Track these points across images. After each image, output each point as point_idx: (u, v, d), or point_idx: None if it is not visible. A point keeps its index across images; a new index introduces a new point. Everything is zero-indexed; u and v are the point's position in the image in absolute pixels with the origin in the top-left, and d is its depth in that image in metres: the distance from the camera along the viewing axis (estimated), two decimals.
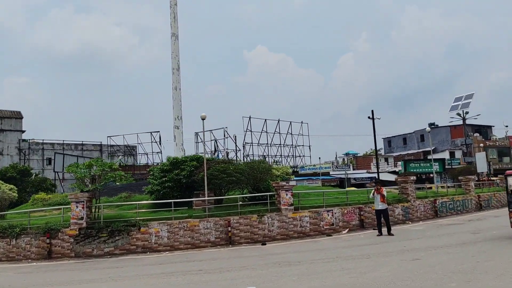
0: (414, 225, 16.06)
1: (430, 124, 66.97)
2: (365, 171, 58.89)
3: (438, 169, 57.63)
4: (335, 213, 14.18)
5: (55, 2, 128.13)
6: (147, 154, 61.60)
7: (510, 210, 11.42)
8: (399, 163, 58.39)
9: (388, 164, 60.28)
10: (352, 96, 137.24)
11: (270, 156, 57.95)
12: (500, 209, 21.71)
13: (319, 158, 66.83)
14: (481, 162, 29.69)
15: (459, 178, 22.07)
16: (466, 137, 60.37)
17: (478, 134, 60.49)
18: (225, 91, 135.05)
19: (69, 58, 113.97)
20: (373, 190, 13.84)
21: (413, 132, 68.83)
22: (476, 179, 33.95)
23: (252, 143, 55.54)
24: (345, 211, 14.57)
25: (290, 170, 33.67)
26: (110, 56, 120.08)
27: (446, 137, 63.54)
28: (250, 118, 55.28)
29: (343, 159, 69.47)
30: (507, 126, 62.37)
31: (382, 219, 13.54)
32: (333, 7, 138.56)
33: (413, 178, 18.38)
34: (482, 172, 32.22)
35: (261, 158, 57.08)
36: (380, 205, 13.38)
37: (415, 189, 19.01)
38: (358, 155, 73.59)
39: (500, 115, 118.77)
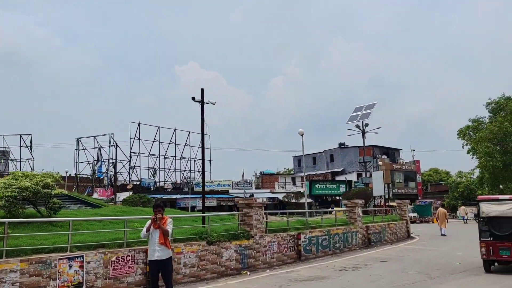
0: (249, 278, 9.71)
1: (340, 144, 63.91)
2: (268, 190, 53.30)
3: (345, 191, 53.94)
4: (92, 263, 7.56)
5: None
6: (15, 161, 50.89)
7: (481, 239, 10.70)
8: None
9: (294, 184, 55.28)
10: (281, 118, 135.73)
11: (162, 169, 50.15)
12: (394, 246, 16.47)
13: (234, 178, 60.38)
14: (377, 183, 24.79)
15: (344, 202, 16.33)
16: (374, 158, 57.54)
17: (385, 156, 57.91)
18: (157, 103, 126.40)
19: None
20: (148, 222, 7.24)
21: (323, 152, 65.15)
22: (373, 204, 29.16)
23: (140, 153, 47.43)
24: (115, 259, 7.88)
25: None
26: (31, 57, 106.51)
27: (354, 158, 60.37)
28: (139, 124, 47.34)
29: (255, 177, 63.57)
30: (414, 150, 60.80)
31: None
32: (267, 30, 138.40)
33: (261, 201, 11.84)
34: (380, 196, 27.33)
35: (150, 170, 49.23)
36: (157, 252, 6.86)
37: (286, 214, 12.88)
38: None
39: (412, 144, 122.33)
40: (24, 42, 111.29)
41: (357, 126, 28.61)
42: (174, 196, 43.67)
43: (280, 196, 50.95)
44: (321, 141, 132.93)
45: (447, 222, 23.99)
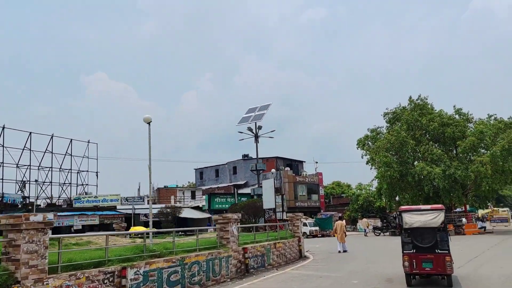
0: None
1: (244, 156, 61.01)
2: (163, 205, 47.95)
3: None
4: None
5: None
6: None
7: (404, 252, 10.16)
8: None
9: (194, 198, 50.66)
10: (195, 132, 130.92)
11: (33, 182, 42.31)
12: (279, 272, 12.91)
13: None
14: (268, 194, 21.54)
15: (214, 218, 12.35)
16: (277, 170, 55.36)
17: (288, 168, 56.07)
18: (55, 113, 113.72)
19: None
20: None
21: (226, 164, 61.59)
22: (266, 217, 25.92)
23: (3, 162, 39.39)
24: None
25: None
26: None
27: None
28: (4, 127, 39.38)
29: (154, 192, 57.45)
30: (317, 162, 59.95)
31: None
32: (180, 43, 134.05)
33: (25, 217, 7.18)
34: (271, 209, 24.21)
35: (19, 184, 41.23)
36: None
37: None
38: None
39: (318, 159, 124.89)
40: None
41: (249, 129, 25.20)
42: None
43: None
44: (230, 156, 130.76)
45: (346, 235, 21.43)
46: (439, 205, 10.93)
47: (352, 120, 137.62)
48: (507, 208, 59.07)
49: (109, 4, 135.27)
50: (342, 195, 68.76)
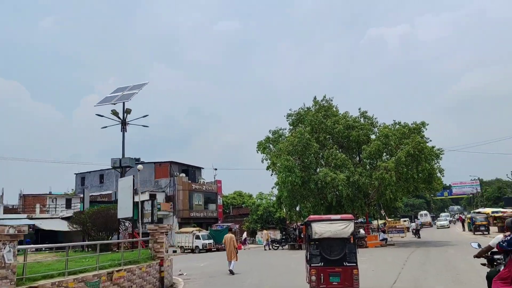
0: None
1: (136, 159, 53.96)
2: (25, 215, 39.15)
3: (135, 216, 43.89)
4: None
5: None
6: None
7: (312, 265, 9.52)
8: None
9: (69, 207, 42.36)
10: (95, 139, 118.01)
11: None
12: None
13: None
14: (124, 197, 16.13)
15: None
16: (171, 176, 49.52)
17: (184, 175, 50.50)
18: None
19: None
20: None
21: (112, 168, 53.73)
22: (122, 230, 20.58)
23: None
24: None
25: None
26: None
27: (149, 175, 51.14)
28: None
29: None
30: (216, 169, 55.25)
31: None
32: (82, 44, 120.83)
33: None
34: (127, 219, 18.94)
35: None
36: None
37: None
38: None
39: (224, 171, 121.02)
40: None
41: (114, 113, 19.45)
42: None
43: (42, 223, 37.84)
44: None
45: (237, 251, 16.83)
46: (349, 215, 10.46)
47: (260, 132, 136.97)
48: (407, 219, 59.30)
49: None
50: (242, 205, 64.82)
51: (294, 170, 28.58)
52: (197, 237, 37.73)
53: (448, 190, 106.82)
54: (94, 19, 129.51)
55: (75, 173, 56.61)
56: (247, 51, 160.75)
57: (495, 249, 6.81)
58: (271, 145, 32.81)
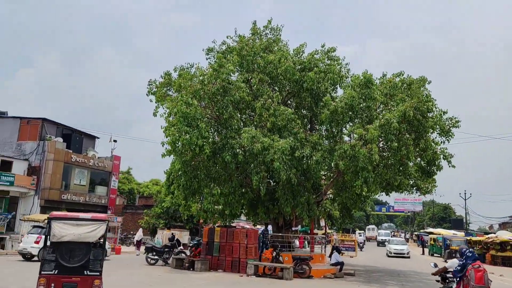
0: None
1: (1, 113, 38.20)
2: None
3: None
4: None
5: None
6: None
7: (42, 272, 7.99)
8: None
9: None
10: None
11: None
12: None
13: None
14: None
15: None
16: (42, 139, 34.38)
17: (61, 139, 35.50)
18: None
19: None
20: None
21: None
22: None
23: None
24: None
25: None
26: None
27: (11, 135, 35.63)
28: None
29: None
30: (115, 141, 40.61)
31: None
32: (23, 12, 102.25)
33: None
34: None
35: None
36: None
37: None
38: None
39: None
40: None
41: None
42: None
43: None
44: None
45: None
46: (102, 215, 9.95)
47: None
48: (362, 231, 46.95)
49: None
50: (151, 195, 50.42)
51: (198, 126, 15.44)
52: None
53: (386, 206, 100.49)
54: None
55: None
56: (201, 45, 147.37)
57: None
58: (172, 91, 19.30)
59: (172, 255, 18.20)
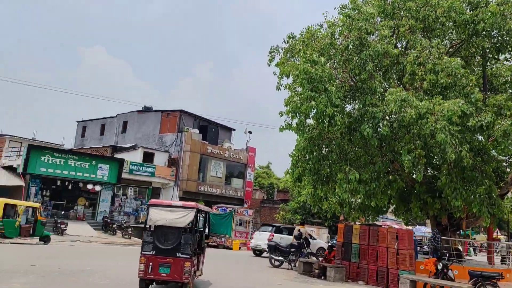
0: None
1: (145, 108, 40.28)
2: None
3: (106, 179, 30.03)
4: None
5: None
6: None
7: (142, 253, 8.95)
8: None
9: (9, 154, 29.44)
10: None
11: None
12: None
13: None
14: None
15: None
16: (180, 131, 34.68)
17: (197, 131, 35.34)
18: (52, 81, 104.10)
19: None
20: None
21: (115, 116, 40.68)
22: None
23: None
24: None
25: None
26: None
27: (154, 128, 36.98)
28: None
29: None
30: (250, 132, 39.26)
31: None
32: (184, 28, 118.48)
33: None
34: None
35: None
36: None
37: None
38: None
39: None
40: None
41: None
42: None
43: None
44: None
45: None
46: (192, 203, 9.59)
47: None
48: None
49: None
50: (287, 188, 48.07)
51: (327, 90, 11.66)
52: None
53: None
54: (195, 3, 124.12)
55: (77, 121, 44.50)
56: None
57: None
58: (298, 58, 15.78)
59: (299, 257, 14.77)
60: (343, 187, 12.47)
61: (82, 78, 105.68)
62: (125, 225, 27.20)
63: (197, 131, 35.15)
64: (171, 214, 9.03)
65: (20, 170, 26.39)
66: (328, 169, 13.38)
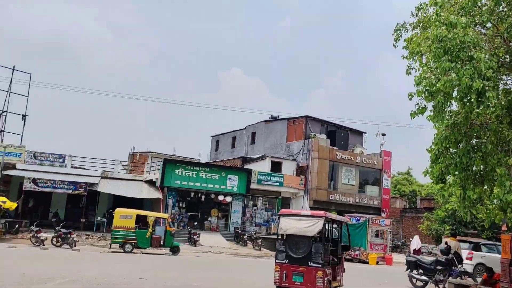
0: None
1: (272, 117, 40.03)
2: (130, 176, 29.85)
3: (236, 189, 30.09)
4: None
5: None
6: None
7: (276, 261, 9.33)
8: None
9: (149, 169, 31.69)
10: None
11: None
12: None
13: None
14: None
15: None
16: (307, 138, 33.29)
17: (325, 136, 33.48)
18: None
19: (37, 45, 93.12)
20: None
21: (244, 129, 41.41)
22: None
23: None
24: None
25: None
26: (81, 49, 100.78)
27: (281, 137, 36.36)
28: None
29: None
30: (384, 135, 35.89)
31: None
32: (314, 40, 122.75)
33: None
34: None
35: None
36: None
37: None
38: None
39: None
40: (76, 34, 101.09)
41: None
42: None
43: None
44: None
45: None
46: (321, 212, 9.70)
47: None
48: None
49: (252, 4, 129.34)
50: (432, 196, 42.52)
51: (473, 58, 8.89)
52: None
53: None
54: (323, 15, 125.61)
55: (211, 136, 46.71)
56: None
57: None
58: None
59: (448, 278, 11.71)
60: (506, 186, 9.33)
61: (222, 99, 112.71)
62: (255, 236, 26.68)
63: (324, 136, 33.34)
64: (300, 223, 9.20)
65: (158, 183, 28.02)
66: (481, 164, 10.30)
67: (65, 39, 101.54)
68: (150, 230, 18.14)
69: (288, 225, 9.30)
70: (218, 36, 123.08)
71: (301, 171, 32.85)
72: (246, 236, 26.66)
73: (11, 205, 22.10)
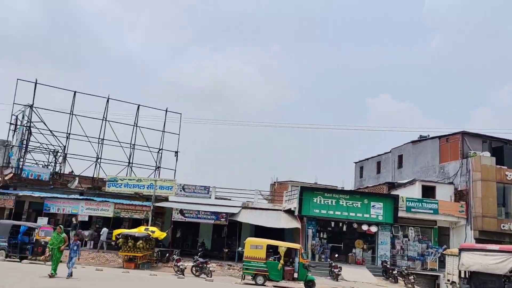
0: None
1: (420, 137, 35.74)
2: (269, 205, 30.25)
3: (381, 218, 26.91)
4: None
5: (195, 41, 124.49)
6: None
7: None
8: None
9: (288, 198, 30.89)
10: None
11: (71, 155, 33.83)
12: None
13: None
14: None
15: None
16: (465, 157, 28.49)
17: (489, 154, 28.19)
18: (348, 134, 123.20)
19: (199, 93, 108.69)
20: None
21: (389, 152, 37.98)
22: None
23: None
24: None
25: None
26: (236, 93, 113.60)
27: (432, 159, 32.07)
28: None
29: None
30: None
31: None
32: (471, 54, 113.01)
33: None
34: None
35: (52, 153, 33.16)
36: None
37: None
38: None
39: None
40: (231, 79, 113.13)
41: None
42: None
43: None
44: None
45: None
46: (510, 246, 7.47)
47: None
48: None
49: (394, 26, 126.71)
50: None
51: None
52: None
53: None
54: (478, 28, 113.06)
55: (354, 162, 44.17)
56: None
57: None
58: None
59: None
60: None
61: (372, 125, 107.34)
62: (406, 271, 23.21)
63: (488, 154, 28.10)
64: (485, 258, 8.68)
65: (296, 212, 26.98)
66: None
67: (221, 85, 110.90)
68: (281, 261, 16.94)
69: (472, 261, 8.89)
70: (363, 65, 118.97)
71: (461, 196, 28.05)
72: (396, 272, 23.42)
73: (160, 234, 23.51)
